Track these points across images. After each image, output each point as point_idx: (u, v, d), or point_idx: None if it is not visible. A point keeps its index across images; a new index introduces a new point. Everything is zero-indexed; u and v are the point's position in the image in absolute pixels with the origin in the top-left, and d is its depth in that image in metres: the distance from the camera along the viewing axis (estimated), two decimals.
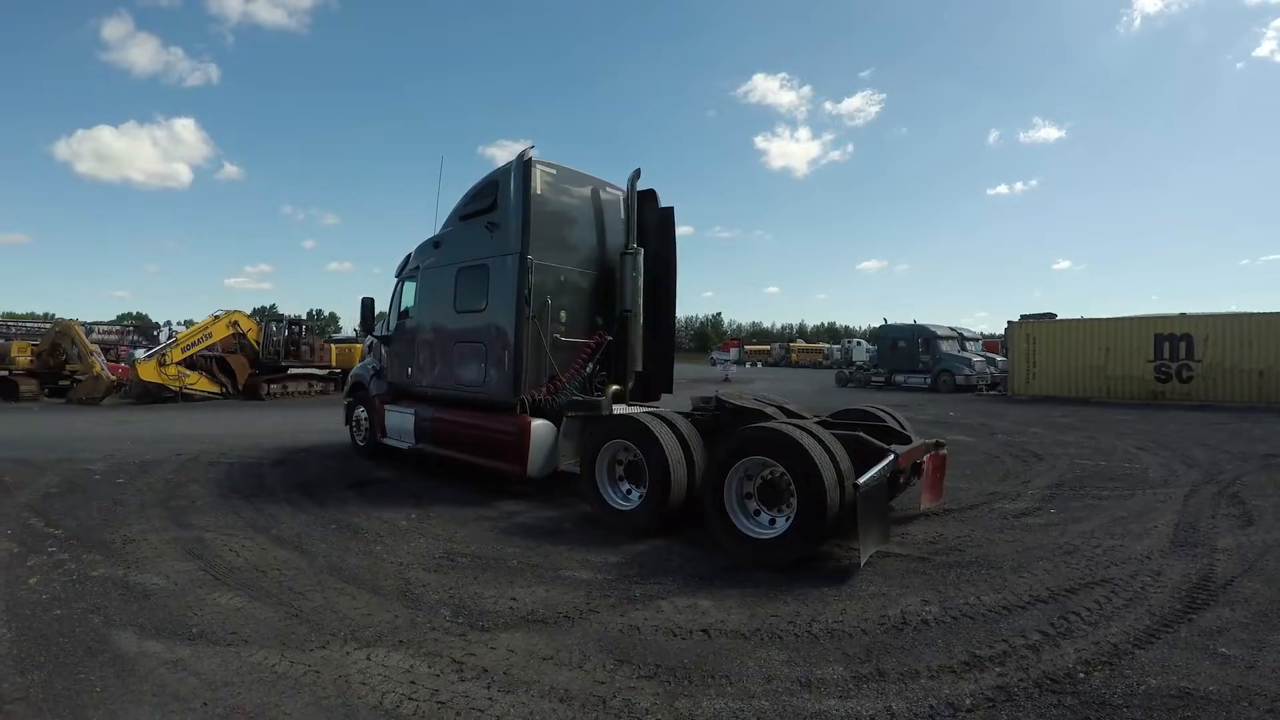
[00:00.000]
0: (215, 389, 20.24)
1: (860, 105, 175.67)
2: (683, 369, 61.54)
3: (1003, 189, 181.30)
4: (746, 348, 73.05)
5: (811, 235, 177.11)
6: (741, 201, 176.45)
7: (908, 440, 5.87)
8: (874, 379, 28.56)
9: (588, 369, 7.66)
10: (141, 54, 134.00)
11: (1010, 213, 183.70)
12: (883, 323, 30.69)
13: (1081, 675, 3.07)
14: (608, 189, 8.24)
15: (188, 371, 19.13)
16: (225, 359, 21.03)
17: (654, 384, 8.35)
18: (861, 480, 4.48)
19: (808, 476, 4.60)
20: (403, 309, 9.29)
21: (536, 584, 4.35)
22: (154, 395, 18.17)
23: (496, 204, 7.53)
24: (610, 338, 7.82)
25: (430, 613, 3.82)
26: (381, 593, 4.16)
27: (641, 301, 7.88)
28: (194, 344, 19.66)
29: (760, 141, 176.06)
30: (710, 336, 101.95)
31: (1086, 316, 22.47)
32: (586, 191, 8.08)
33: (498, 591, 4.19)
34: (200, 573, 4.47)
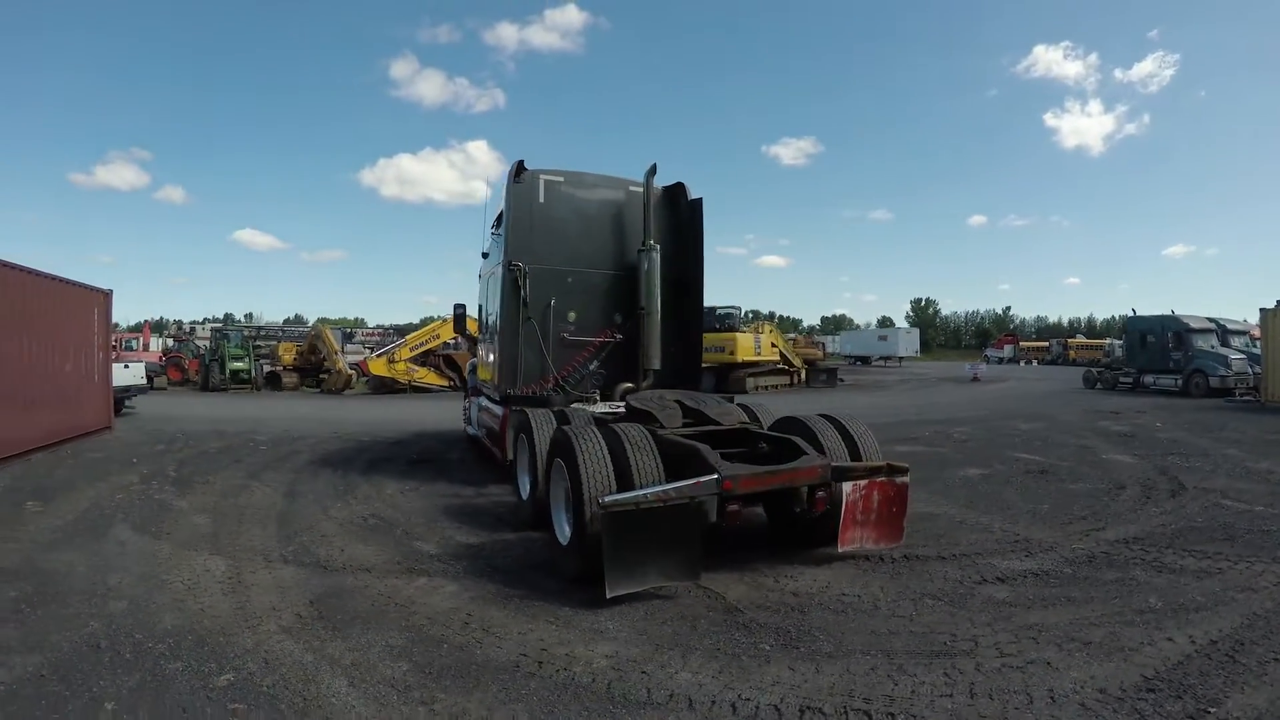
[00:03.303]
0: (442, 382, 25.89)
1: (1153, 69, 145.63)
2: (945, 366, 55.73)
3: None
4: (1023, 344, 71.52)
5: (1113, 219, 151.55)
6: (1036, 186, 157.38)
7: (828, 458, 5.22)
8: (1121, 380, 24.96)
9: (591, 366, 8.82)
10: (429, 88, 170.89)
11: None
12: (1130, 314, 26.49)
13: None
14: (631, 188, 9.03)
15: (416, 367, 24.90)
16: (453, 356, 26.67)
17: (680, 380, 8.66)
18: (608, 499, 4.31)
19: (573, 486, 4.72)
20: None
21: (381, 546, 5.78)
22: (388, 387, 24.17)
23: (502, 216, 9.09)
24: (620, 336, 8.81)
25: (283, 546, 5.76)
26: (284, 531, 6.26)
27: (658, 298, 8.58)
28: (422, 344, 25.50)
29: (1050, 119, 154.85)
30: (990, 332, 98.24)
31: None
32: (609, 194, 9.02)
33: (345, 544, 5.84)
34: (212, 503, 7.23)
